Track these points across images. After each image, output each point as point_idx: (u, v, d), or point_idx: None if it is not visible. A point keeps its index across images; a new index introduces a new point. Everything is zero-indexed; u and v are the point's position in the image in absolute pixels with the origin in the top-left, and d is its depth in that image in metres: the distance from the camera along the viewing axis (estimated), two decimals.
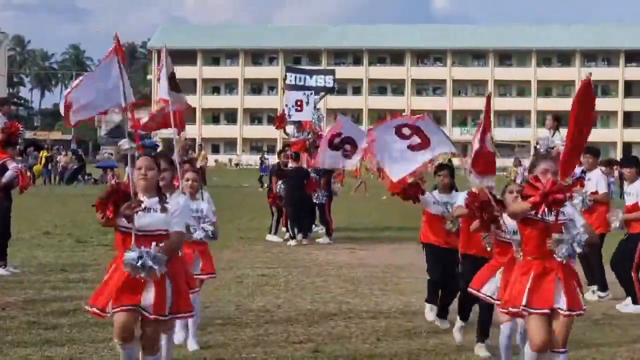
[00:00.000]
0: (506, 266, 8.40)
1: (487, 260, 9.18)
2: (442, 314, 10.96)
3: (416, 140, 10.43)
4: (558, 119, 16.84)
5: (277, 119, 23.68)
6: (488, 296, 8.84)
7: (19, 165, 14.88)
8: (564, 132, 15.70)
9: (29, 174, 13.40)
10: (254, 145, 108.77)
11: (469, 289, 9.05)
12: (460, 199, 9.79)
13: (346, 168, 11.48)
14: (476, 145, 8.58)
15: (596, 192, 13.82)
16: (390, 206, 33.62)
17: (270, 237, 20.82)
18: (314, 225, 21.90)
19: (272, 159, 55.61)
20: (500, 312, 8.26)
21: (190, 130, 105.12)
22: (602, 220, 13.41)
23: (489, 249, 9.13)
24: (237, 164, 55.64)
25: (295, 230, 20.45)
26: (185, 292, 7.41)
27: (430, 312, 11.08)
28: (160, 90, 11.17)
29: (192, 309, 7.54)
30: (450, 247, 10.65)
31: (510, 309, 7.61)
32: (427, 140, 10.42)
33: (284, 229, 21.33)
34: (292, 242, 20.18)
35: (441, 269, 10.81)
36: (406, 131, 10.46)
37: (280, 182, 20.98)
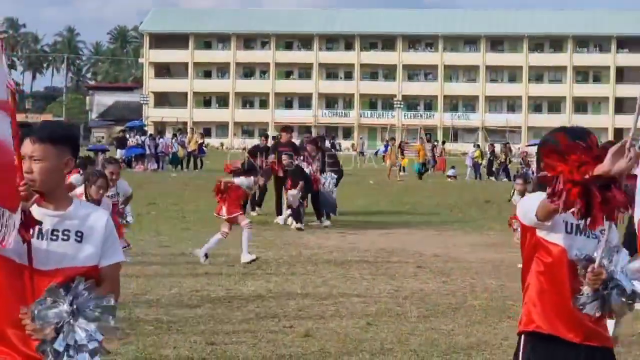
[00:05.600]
0: None
1: None
2: None
3: None
4: None
5: None
6: None
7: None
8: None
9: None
10: (246, 129, 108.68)
11: None
12: None
13: None
14: None
15: None
16: (379, 190, 33.69)
17: (278, 219, 20.93)
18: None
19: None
20: None
21: (182, 114, 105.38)
22: None
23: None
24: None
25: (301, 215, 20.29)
26: None
27: None
28: None
29: None
30: (591, 344, 4.54)
31: None
32: None
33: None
34: (298, 225, 19.93)
35: None
36: None
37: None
